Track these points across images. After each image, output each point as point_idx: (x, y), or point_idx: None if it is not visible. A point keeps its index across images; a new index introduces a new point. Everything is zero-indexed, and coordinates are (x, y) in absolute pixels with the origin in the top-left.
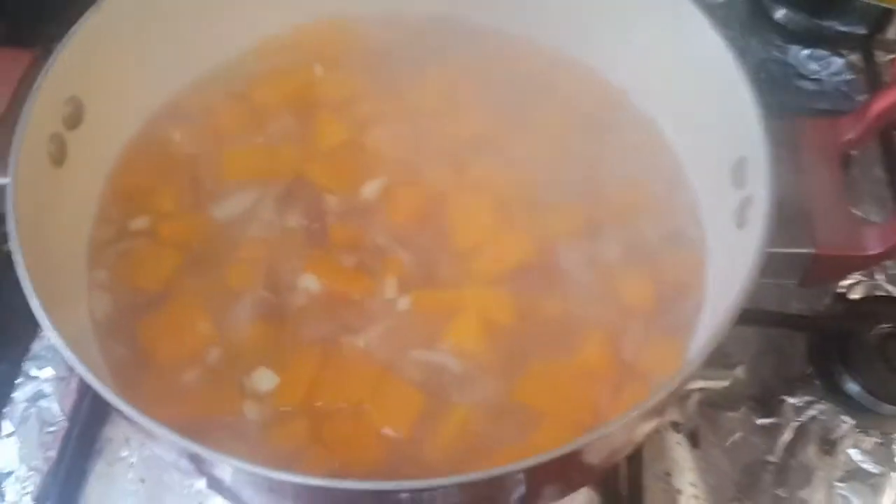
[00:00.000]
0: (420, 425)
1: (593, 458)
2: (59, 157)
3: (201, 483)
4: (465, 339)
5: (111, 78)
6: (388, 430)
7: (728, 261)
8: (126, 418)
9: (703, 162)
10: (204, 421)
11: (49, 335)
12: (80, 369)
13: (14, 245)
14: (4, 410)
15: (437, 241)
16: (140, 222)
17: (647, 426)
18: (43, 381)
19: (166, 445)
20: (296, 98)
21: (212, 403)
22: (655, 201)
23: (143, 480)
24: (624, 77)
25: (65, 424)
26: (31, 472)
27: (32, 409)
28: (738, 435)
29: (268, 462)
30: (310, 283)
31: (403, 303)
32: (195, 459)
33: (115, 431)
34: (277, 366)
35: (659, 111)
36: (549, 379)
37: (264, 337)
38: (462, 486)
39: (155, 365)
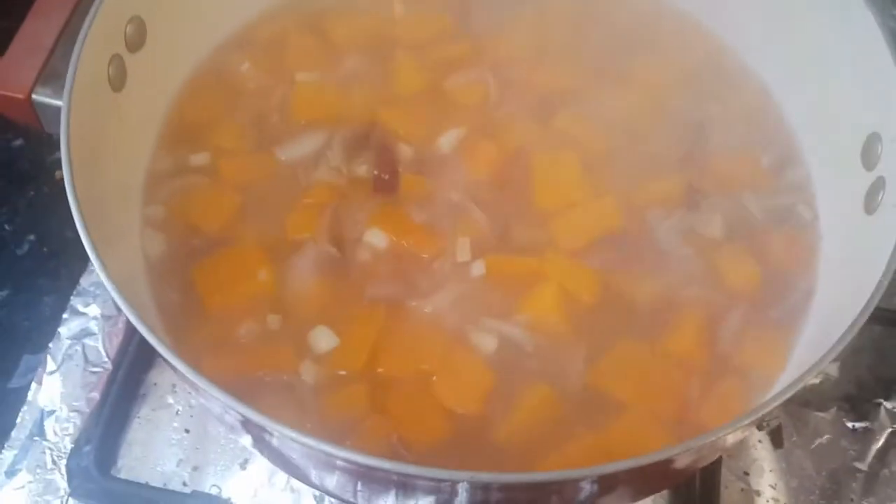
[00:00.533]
0: (489, 404)
1: (679, 465)
2: (118, 80)
3: (247, 440)
4: (543, 313)
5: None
6: (454, 406)
7: (850, 249)
8: (173, 369)
9: (823, 134)
10: (257, 379)
11: (98, 273)
12: (129, 313)
13: (67, 172)
14: (49, 345)
15: (517, 202)
16: (200, 158)
17: (745, 433)
18: (90, 318)
19: (213, 401)
20: (373, 36)
21: (266, 360)
22: (763, 174)
23: (187, 430)
24: (734, 31)
25: (109, 366)
26: (72, 413)
27: (77, 347)
28: (826, 437)
29: (322, 429)
30: (376, 237)
31: (477, 267)
32: (243, 420)
33: (161, 377)
34: (338, 326)
35: (773, 73)
36: (633, 365)
37: (325, 293)
38: (529, 486)
39: (208, 313)
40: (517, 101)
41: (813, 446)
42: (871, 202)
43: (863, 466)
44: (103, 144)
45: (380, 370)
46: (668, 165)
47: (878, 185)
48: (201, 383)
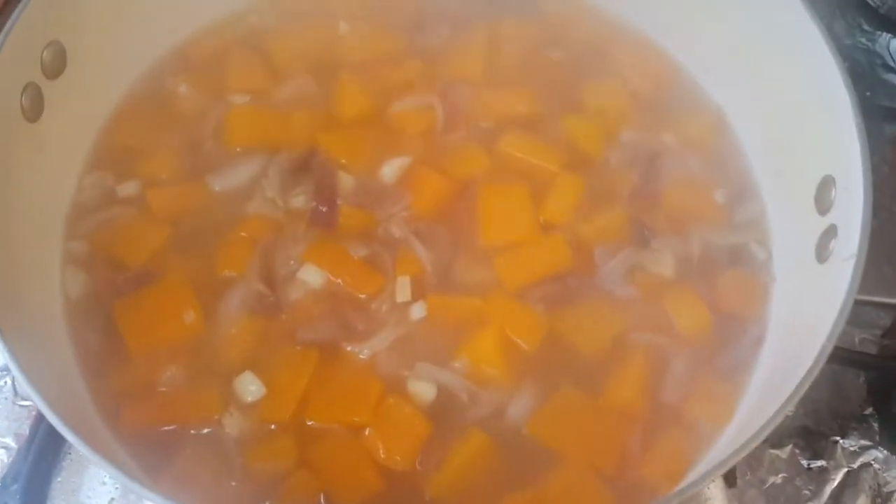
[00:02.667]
0: (423, 457)
1: None
2: (33, 110)
3: None
4: (483, 359)
5: (103, 19)
6: (387, 461)
7: (801, 296)
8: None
9: (780, 171)
10: (178, 430)
11: None
12: (31, 392)
13: None
14: None
15: (461, 237)
16: (128, 188)
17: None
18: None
19: None
20: (317, 56)
21: (189, 410)
22: (717, 209)
23: (110, 475)
24: (692, 56)
25: None
26: None
27: (7, 378)
28: (780, 476)
29: (245, 486)
30: (311, 274)
31: (417, 309)
32: None
33: None
34: (266, 372)
35: (729, 100)
36: (572, 415)
37: (253, 335)
38: None
39: (131, 356)
40: (465, 129)
41: (766, 486)
42: (822, 250)
43: None
44: (17, 177)
45: (309, 422)
46: (619, 199)
47: (830, 233)
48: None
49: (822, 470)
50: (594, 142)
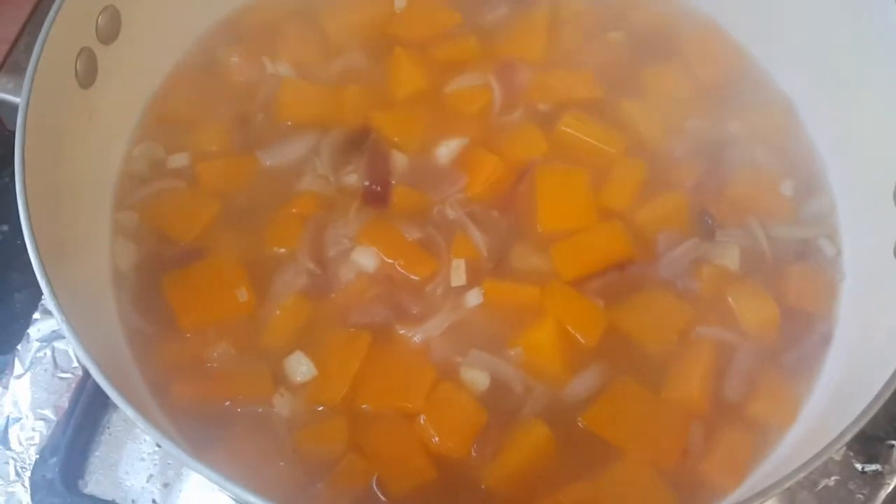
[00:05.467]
0: (479, 445)
1: None
2: (87, 76)
3: None
4: (538, 351)
5: None
6: (440, 448)
7: (876, 296)
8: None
9: (853, 165)
10: (228, 408)
11: (46, 299)
12: (83, 357)
13: (18, 176)
14: (18, 347)
15: (518, 223)
16: (179, 159)
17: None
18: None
19: None
20: (371, 31)
21: (239, 388)
22: (784, 202)
23: (159, 444)
24: (761, 43)
25: (80, 372)
26: (38, 422)
27: (46, 350)
28: (833, 479)
29: (295, 467)
30: (365, 256)
31: (474, 295)
32: None
33: None
34: (317, 353)
35: (802, 92)
36: (632, 410)
37: (304, 314)
38: None
39: (180, 332)
40: (523, 110)
41: (819, 488)
42: None
43: None
44: (69, 144)
45: (362, 405)
46: (682, 187)
47: None
48: (160, 439)
49: (877, 474)
50: (657, 128)
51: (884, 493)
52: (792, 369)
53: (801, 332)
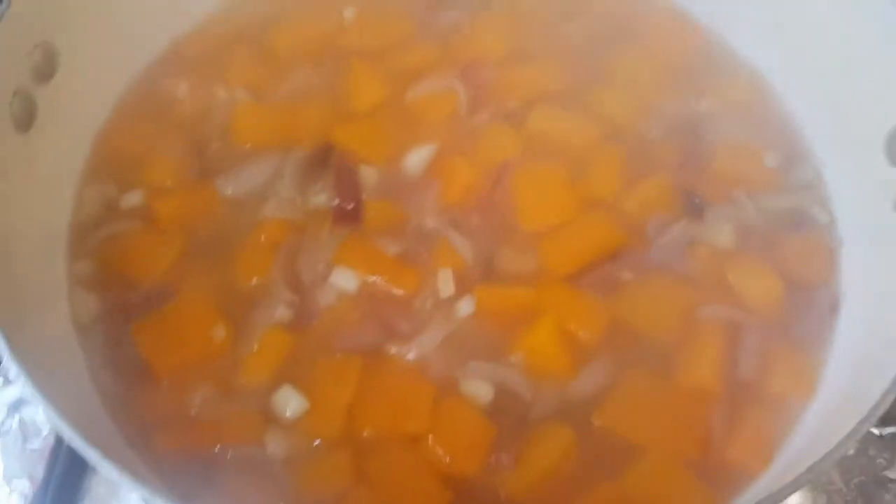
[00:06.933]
0: (494, 458)
1: None
2: (25, 119)
3: None
4: (541, 353)
5: (93, 18)
6: (453, 469)
7: (880, 256)
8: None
9: (833, 129)
10: (218, 454)
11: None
12: (56, 420)
13: None
14: None
15: (500, 225)
16: (132, 198)
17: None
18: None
19: None
20: (321, 46)
21: (226, 432)
22: (769, 174)
23: (146, 501)
24: (723, 18)
25: (51, 439)
26: (13, 494)
27: (12, 421)
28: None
29: None
30: (344, 278)
31: (466, 304)
32: None
33: None
34: (306, 384)
35: (766, 60)
36: (646, 403)
37: (287, 346)
38: None
39: (156, 380)
40: (491, 110)
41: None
42: None
43: (894, 475)
44: (10, 193)
45: (362, 434)
46: (663, 170)
47: None
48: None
49: (895, 436)
50: (630, 112)
51: None
52: (803, 341)
53: (806, 303)
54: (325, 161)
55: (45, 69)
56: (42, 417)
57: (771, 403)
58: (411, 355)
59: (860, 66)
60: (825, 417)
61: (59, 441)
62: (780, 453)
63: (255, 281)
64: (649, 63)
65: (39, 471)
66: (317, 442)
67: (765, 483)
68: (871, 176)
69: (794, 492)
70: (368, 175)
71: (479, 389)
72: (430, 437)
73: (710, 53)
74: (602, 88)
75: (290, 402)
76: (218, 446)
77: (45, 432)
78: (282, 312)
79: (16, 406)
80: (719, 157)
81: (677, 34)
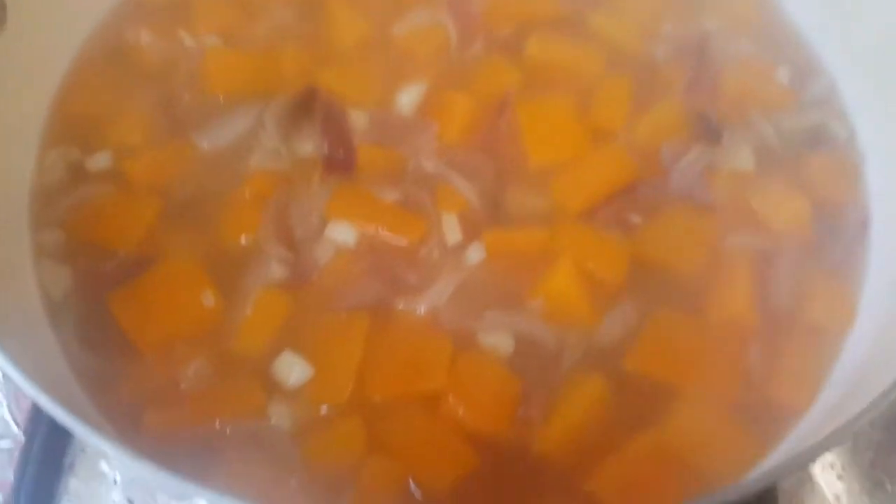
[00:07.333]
0: (523, 413)
1: None
2: None
3: None
4: (561, 298)
5: None
6: (478, 428)
7: None
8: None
9: (845, 38)
10: (216, 430)
11: None
12: (32, 392)
13: None
14: None
15: (507, 162)
16: (100, 160)
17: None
18: None
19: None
20: None
21: (224, 405)
22: (782, 91)
23: (130, 502)
24: None
25: (21, 437)
26: None
27: None
28: None
29: (311, 485)
30: (339, 231)
31: (475, 251)
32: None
33: (89, 441)
34: (309, 348)
35: None
36: (678, 342)
37: (284, 308)
38: None
39: (140, 355)
40: (484, 40)
41: None
42: None
43: None
44: None
45: (375, 397)
46: (674, 93)
47: None
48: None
49: None
50: (633, 36)
51: None
52: (837, 264)
53: (835, 224)
54: (308, 107)
55: None
56: (8, 415)
57: (809, 334)
58: (422, 309)
59: None
60: (870, 349)
61: (30, 440)
62: (824, 388)
63: (243, 240)
64: None
65: (9, 474)
66: (325, 409)
67: (811, 420)
68: (888, 85)
69: (846, 439)
70: (358, 119)
71: (499, 341)
72: (450, 395)
73: None
74: (601, 12)
75: (292, 369)
76: (216, 422)
77: (14, 429)
78: (276, 271)
79: None
80: (729, 77)
81: None
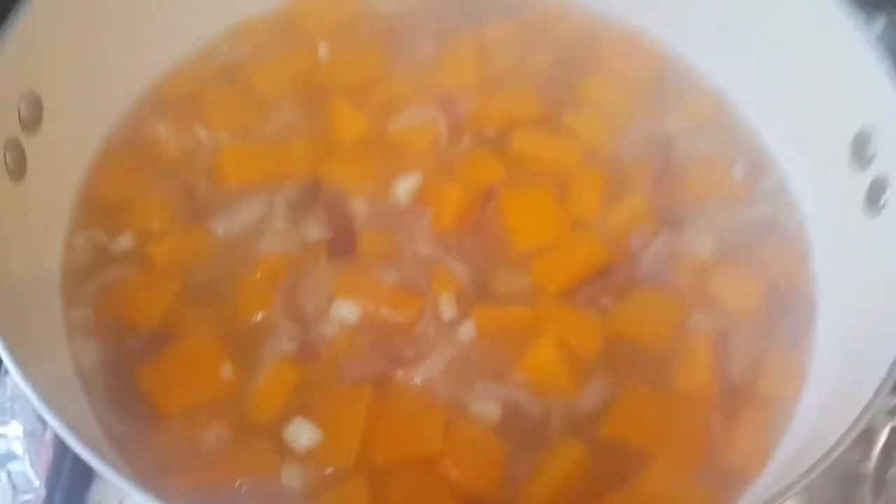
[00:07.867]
0: (510, 474)
1: None
2: (17, 168)
3: None
4: (543, 370)
5: (74, 65)
6: (471, 487)
7: (852, 254)
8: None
9: (797, 137)
10: (234, 491)
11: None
12: (70, 439)
13: None
14: None
15: (494, 247)
16: (123, 243)
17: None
18: (11, 439)
19: None
20: (299, 84)
21: (241, 468)
22: (737, 185)
23: None
24: (682, 38)
25: (42, 492)
26: None
27: (2, 473)
28: None
29: None
30: (345, 309)
31: (466, 327)
32: None
33: (105, 494)
34: (318, 415)
35: (730, 77)
36: (648, 410)
37: (295, 379)
38: None
39: (166, 422)
40: (471, 137)
41: None
42: (873, 204)
43: (869, 470)
44: (5, 244)
45: (377, 460)
46: (642, 187)
47: (879, 184)
48: None
49: (865, 433)
50: (606, 135)
51: (877, 449)
52: (788, 340)
53: (786, 304)
54: (314, 196)
55: (33, 118)
56: (30, 470)
57: (763, 404)
58: (418, 380)
59: (819, 76)
60: (817, 415)
61: (50, 493)
62: (777, 452)
63: (257, 317)
64: (616, 86)
65: None
66: (332, 471)
67: (765, 483)
68: (836, 181)
69: (795, 490)
70: (359, 206)
71: (488, 409)
72: (445, 459)
73: (671, 73)
74: (575, 113)
75: (303, 434)
76: (235, 482)
77: (35, 483)
78: (287, 345)
79: (4, 461)
80: (691, 172)
81: (641, 57)
